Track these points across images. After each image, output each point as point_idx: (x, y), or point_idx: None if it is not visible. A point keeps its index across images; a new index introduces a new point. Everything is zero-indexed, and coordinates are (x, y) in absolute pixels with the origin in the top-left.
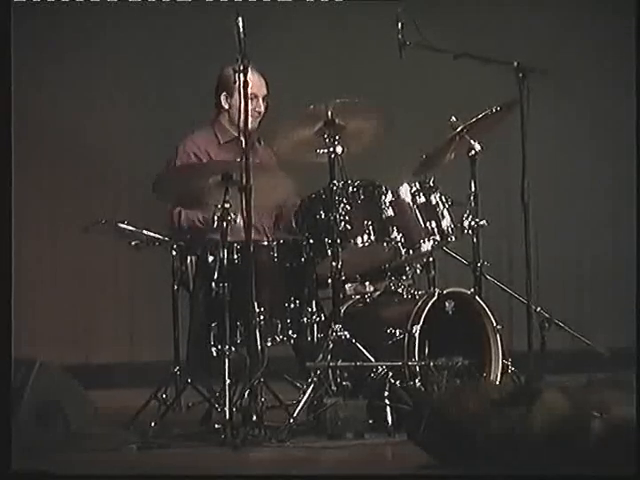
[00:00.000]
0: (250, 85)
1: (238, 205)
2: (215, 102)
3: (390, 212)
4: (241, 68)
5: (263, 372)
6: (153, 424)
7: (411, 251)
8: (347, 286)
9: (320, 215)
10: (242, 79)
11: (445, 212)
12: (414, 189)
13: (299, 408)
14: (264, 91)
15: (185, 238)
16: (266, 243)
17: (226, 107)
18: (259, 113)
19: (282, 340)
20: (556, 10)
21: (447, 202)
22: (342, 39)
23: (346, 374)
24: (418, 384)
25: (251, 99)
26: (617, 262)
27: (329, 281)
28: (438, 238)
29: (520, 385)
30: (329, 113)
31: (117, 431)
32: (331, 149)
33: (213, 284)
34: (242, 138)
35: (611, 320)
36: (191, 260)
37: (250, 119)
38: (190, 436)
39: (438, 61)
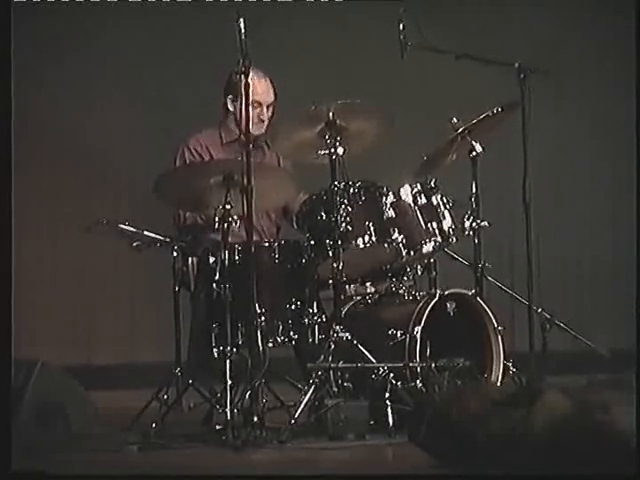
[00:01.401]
0: (254, 92)
1: (239, 206)
2: (223, 104)
3: (391, 213)
4: (242, 69)
5: (264, 373)
6: (154, 425)
7: (412, 252)
8: (348, 287)
9: (321, 216)
10: (244, 80)
11: (446, 213)
12: (415, 190)
13: (300, 409)
14: (270, 98)
15: (186, 239)
16: (267, 244)
17: (232, 110)
18: (262, 121)
19: (283, 341)
20: (557, 10)
21: (448, 203)
22: (343, 40)
23: (347, 375)
24: (419, 385)
25: (255, 106)
26: (617, 262)
27: (330, 282)
28: (439, 239)
29: (521, 386)
30: (330, 114)
31: (118, 432)
32: (332, 150)
33: (214, 285)
34: (243, 137)
35: (611, 321)
36: (192, 261)
37: (254, 126)
38: (191, 437)
39: (439, 62)
